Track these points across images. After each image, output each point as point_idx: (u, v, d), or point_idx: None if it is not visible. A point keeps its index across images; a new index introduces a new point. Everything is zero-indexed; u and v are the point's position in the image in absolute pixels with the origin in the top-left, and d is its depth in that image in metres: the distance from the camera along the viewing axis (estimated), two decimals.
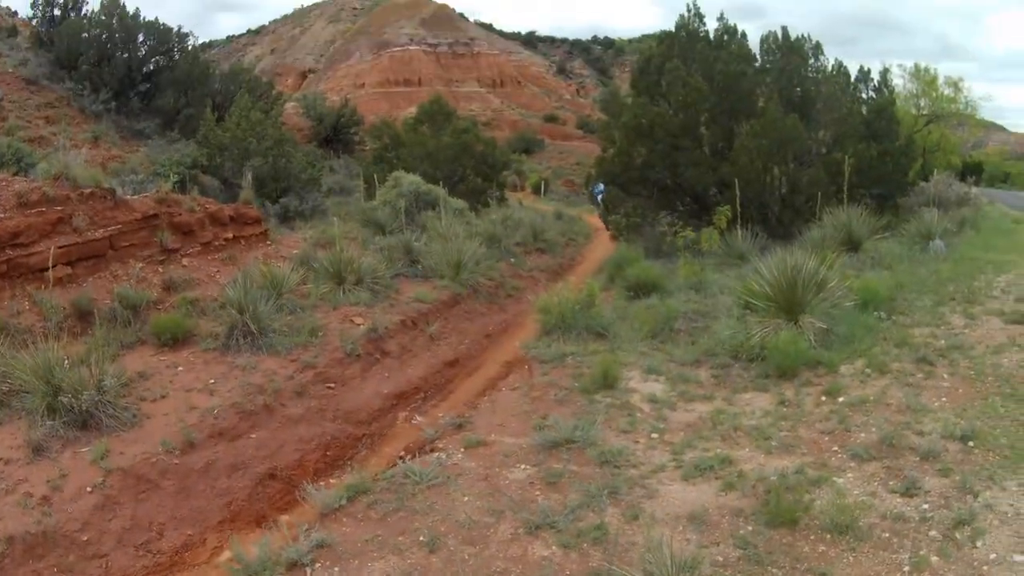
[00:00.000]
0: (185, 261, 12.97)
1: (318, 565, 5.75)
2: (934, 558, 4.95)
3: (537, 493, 6.50)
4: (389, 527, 6.15)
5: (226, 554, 6.96)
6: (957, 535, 5.13)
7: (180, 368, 9.64)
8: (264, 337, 10.52)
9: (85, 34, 29.92)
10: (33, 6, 32.31)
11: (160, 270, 12.28)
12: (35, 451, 7.28)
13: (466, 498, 6.53)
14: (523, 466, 7.07)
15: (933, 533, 5.21)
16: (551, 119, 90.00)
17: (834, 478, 6.09)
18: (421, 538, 5.89)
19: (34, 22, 32.99)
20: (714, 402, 8.22)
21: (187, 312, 11.10)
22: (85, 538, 6.54)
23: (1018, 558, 4.80)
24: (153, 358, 9.87)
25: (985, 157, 61.07)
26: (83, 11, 32.01)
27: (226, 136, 22.13)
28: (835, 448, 6.69)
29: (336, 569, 5.70)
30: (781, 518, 5.45)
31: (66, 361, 8.15)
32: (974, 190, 24.31)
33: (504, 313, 15.78)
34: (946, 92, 34.33)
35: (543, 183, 48.20)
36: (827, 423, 7.20)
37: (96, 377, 8.00)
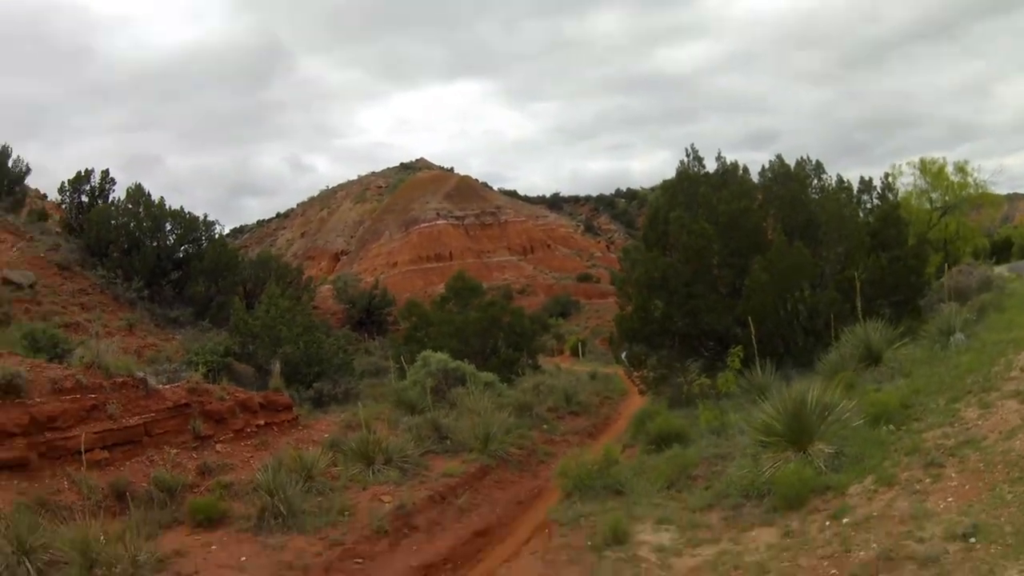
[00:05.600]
0: (219, 447, 13.58)
1: None
2: None
3: None
4: None
5: None
6: None
7: (213, 547, 10.05)
8: (294, 518, 10.94)
9: (113, 221, 30.95)
10: (61, 191, 33.64)
11: (195, 455, 12.92)
12: None
13: None
14: None
15: None
16: (584, 278, 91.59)
17: None
18: None
19: (63, 207, 34.11)
20: (720, 544, 8.31)
21: (221, 495, 11.64)
22: None
23: None
24: (188, 537, 10.33)
25: (1013, 231, 59.73)
26: (110, 198, 33.28)
27: (257, 324, 23.10)
28: (833, 571, 6.75)
29: None
30: None
31: (102, 537, 8.69)
32: (996, 270, 23.89)
33: (536, 479, 15.94)
34: (955, 179, 33.82)
35: (580, 344, 48.90)
36: (828, 547, 7.24)
37: (131, 553, 8.51)
